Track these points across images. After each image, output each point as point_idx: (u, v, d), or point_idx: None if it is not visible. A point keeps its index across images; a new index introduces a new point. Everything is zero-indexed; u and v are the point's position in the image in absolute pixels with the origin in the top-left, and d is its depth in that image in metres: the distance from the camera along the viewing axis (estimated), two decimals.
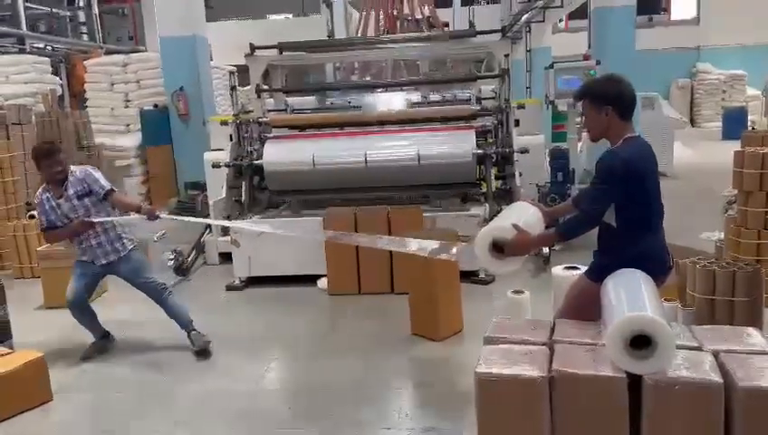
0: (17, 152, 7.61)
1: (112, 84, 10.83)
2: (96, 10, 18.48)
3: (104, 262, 4.36)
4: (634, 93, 2.86)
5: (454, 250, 3.50)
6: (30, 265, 6.39)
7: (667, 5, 21.79)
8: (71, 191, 4.23)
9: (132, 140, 10.24)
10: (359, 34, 10.16)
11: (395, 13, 10.19)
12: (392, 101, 7.09)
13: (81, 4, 18.89)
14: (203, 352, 4.34)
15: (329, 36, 10.90)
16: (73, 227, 4.23)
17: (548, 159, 7.16)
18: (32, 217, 6.79)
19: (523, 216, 3.05)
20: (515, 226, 2.90)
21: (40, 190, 4.35)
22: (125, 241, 4.39)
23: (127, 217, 4.44)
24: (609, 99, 2.78)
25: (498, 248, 2.91)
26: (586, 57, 8.46)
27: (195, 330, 4.47)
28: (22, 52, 12.71)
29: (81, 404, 3.80)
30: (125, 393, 3.92)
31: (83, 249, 4.35)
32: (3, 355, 3.85)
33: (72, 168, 4.34)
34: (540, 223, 3.07)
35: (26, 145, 7.75)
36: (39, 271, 5.74)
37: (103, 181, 4.30)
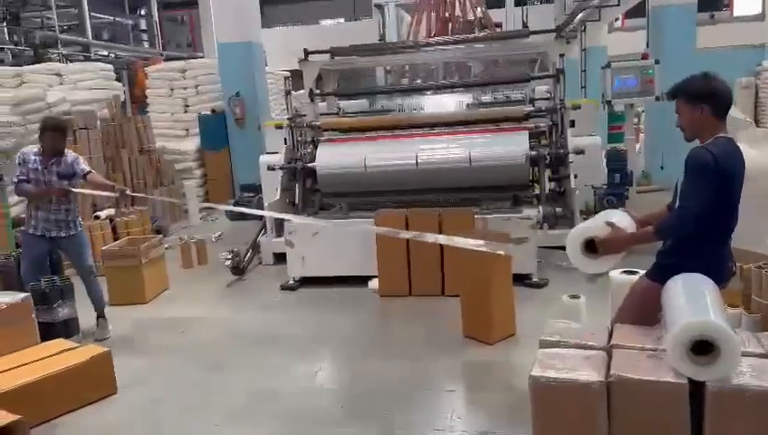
0: (84, 156, 7.94)
1: (172, 90, 11.17)
2: (156, 18, 19.17)
3: (54, 235, 4.78)
4: (730, 91, 2.78)
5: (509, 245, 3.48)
6: (95, 263, 6.65)
7: (730, 1, 20.97)
8: (55, 168, 4.71)
9: (191, 144, 10.55)
10: (410, 37, 10.20)
11: (446, 15, 10.18)
12: (444, 103, 7.08)
13: (143, 12, 19.63)
14: (100, 341, 4.77)
15: (380, 40, 10.98)
16: (55, 190, 4.70)
17: (605, 160, 7.01)
18: (96, 217, 7.09)
19: (615, 217, 2.99)
20: (610, 223, 2.86)
21: (32, 151, 4.78)
22: (77, 223, 4.91)
23: (99, 192, 5.00)
24: (704, 97, 2.71)
25: (591, 248, 2.87)
26: (644, 56, 8.25)
27: (105, 318, 4.98)
28: (87, 59, 13.30)
29: (144, 398, 3.94)
30: (184, 388, 4.05)
31: (39, 219, 4.73)
32: (70, 349, 4.04)
33: (67, 151, 4.83)
34: (632, 228, 2.98)
35: (92, 149, 8.10)
36: (103, 270, 5.98)
37: (84, 165, 4.85)
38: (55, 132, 4.69)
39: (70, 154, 4.83)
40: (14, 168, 4.95)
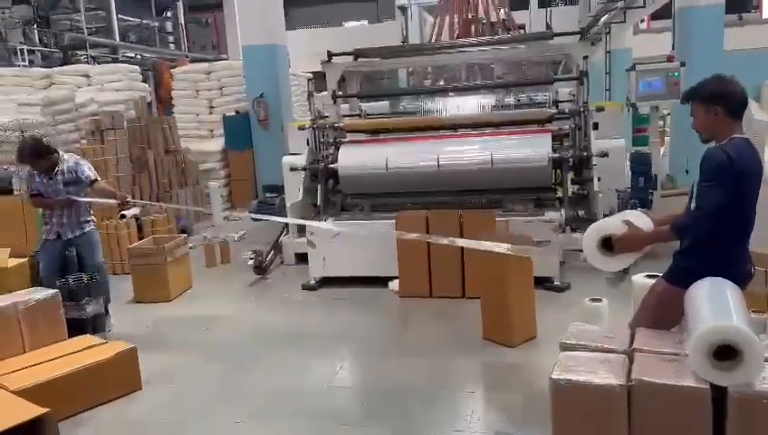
0: (111, 156, 8.12)
1: (197, 91, 11.30)
2: (182, 20, 19.42)
3: (70, 236, 4.93)
4: (744, 92, 2.76)
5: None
6: (121, 261, 6.79)
7: (759, 2, 20.59)
8: (59, 177, 4.84)
9: (215, 145, 10.69)
10: (433, 39, 10.20)
11: (469, 16, 10.16)
12: (466, 105, 7.07)
13: (169, 15, 19.90)
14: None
15: (403, 42, 11.00)
16: (60, 200, 4.84)
17: (629, 163, 6.94)
18: (122, 217, 7.22)
19: (631, 217, 2.98)
20: (627, 221, 2.86)
21: (29, 170, 4.94)
22: (89, 221, 5.04)
23: (102, 199, 5.14)
24: (717, 98, 2.71)
25: (607, 246, 2.86)
26: (670, 58, 8.16)
27: (107, 313, 5.07)
28: (114, 61, 13.54)
29: (168, 394, 4.00)
30: (207, 385, 4.10)
31: (53, 223, 4.90)
32: (97, 346, 4.11)
33: (64, 156, 4.93)
34: (648, 228, 2.95)
35: (119, 149, 8.25)
36: (129, 267, 6.09)
37: (89, 172, 4.92)
38: (34, 160, 4.77)
39: (69, 160, 4.91)
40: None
